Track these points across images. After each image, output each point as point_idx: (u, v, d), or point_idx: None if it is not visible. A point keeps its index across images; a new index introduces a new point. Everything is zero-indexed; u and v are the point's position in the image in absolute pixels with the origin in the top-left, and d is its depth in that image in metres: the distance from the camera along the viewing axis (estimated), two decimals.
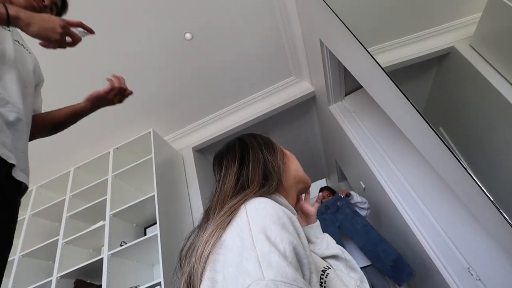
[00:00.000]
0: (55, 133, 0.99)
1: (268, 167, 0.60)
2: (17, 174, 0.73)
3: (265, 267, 0.35)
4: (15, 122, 0.73)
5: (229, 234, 0.43)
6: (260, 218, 0.43)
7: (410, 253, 1.97)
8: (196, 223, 0.57)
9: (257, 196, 0.50)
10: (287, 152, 0.70)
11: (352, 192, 2.33)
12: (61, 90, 1.83)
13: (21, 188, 0.79)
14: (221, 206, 0.53)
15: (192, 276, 0.44)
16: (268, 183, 0.56)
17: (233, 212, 0.47)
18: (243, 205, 0.47)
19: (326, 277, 0.52)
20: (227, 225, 0.45)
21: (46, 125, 0.93)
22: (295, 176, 0.66)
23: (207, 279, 0.41)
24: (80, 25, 0.83)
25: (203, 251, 0.44)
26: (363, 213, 2.28)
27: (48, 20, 0.74)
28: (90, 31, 0.86)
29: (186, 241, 0.54)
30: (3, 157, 0.67)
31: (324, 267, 0.54)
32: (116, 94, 0.95)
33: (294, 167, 0.68)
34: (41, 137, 0.99)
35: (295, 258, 0.39)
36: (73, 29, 0.80)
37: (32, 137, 0.91)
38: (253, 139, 0.68)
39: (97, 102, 0.95)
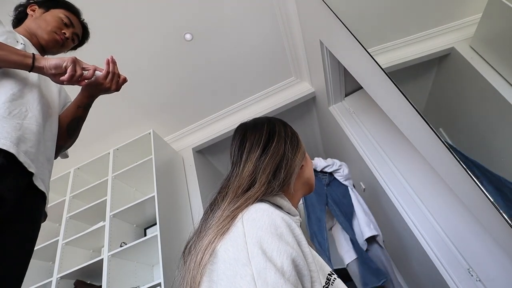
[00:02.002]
0: (73, 136, 0.99)
1: (282, 163, 0.58)
2: (39, 183, 0.74)
3: (260, 286, 0.35)
4: (36, 134, 0.76)
5: (223, 244, 0.43)
6: (256, 229, 0.42)
7: (410, 253, 1.97)
8: (203, 211, 0.57)
9: (257, 202, 0.50)
10: (307, 156, 0.68)
11: (314, 160, 1.89)
12: None
13: (45, 198, 0.80)
14: (232, 196, 0.52)
15: (191, 284, 0.44)
16: (273, 184, 0.55)
17: (233, 218, 0.46)
18: (240, 213, 0.47)
19: (333, 282, 0.51)
20: (225, 231, 0.45)
21: (62, 132, 0.93)
22: (305, 182, 0.65)
23: None
24: (95, 69, 0.84)
25: (202, 258, 0.44)
26: (340, 179, 1.86)
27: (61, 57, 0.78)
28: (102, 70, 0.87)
29: (193, 234, 0.54)
30: (25, 165, 0.69)
31: (330, 272, 0.53)
32: (112, 80, 0.87)
33: (308, 174, 0.66)
34: (66, 148, 1.00)
35: (293, 272, 0.38)
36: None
37: (58, 151, 0.94)
38: (283, 128, 0.65)
39: (92, 90, 0.88)
